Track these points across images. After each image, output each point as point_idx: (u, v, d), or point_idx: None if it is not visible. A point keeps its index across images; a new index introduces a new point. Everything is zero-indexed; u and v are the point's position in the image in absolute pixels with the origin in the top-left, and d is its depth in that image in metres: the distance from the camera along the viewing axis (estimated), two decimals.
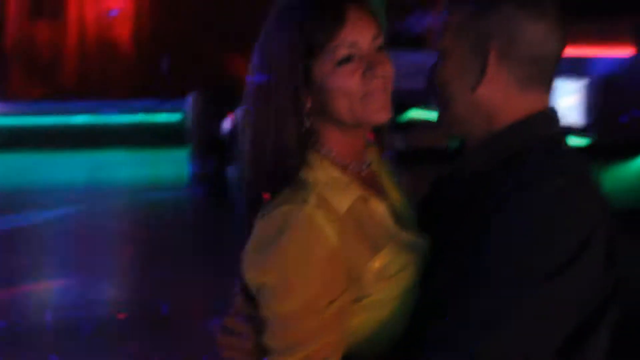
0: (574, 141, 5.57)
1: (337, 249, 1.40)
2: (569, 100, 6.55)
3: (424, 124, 8.47)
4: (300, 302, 1.39)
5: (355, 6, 1.45)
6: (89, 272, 6.12)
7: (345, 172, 1.50)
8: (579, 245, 1.35)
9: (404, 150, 7.13)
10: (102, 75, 14.44)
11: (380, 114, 1.47)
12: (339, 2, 1.44)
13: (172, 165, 10.72)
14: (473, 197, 1.46)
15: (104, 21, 14.54)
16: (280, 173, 1.44)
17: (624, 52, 8.11)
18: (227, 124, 8.80)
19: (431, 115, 8.98)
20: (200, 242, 7.24)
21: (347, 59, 1.43)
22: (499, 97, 1.46)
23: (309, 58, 1.43)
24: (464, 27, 1.46)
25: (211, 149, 9.14)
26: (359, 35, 1.44)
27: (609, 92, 6.51)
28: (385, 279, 1.46)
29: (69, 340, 4.79)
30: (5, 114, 12.74)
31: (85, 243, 7.12)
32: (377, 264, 1.45)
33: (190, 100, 9.49)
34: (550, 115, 1.50)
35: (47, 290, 5.80)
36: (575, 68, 6.55)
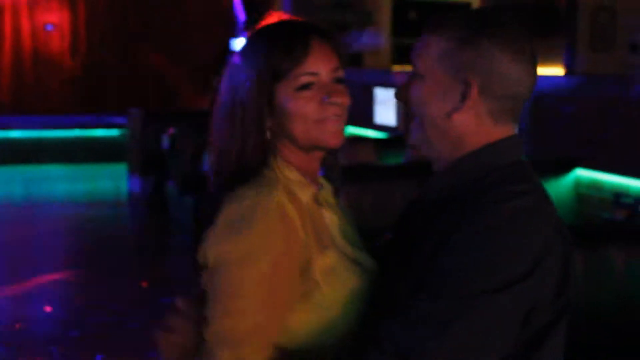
0: None
1: (302, 237, 1.52)
2: None
3: (357, 140, 8.58)
4: (260, 273, 1.47)
5: (319, 39, 1.60)
6: (23, 288, 6.05)
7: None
8: (532, 261, 1.41)
9: (343, 166, 7.19)
10: (39, 90, 14.27)
11: (333, 138, 1.61)
12: (306, 35, 1.59)
13: (111, 181, 10.64)
14: (437, 219, 1.51)
15: (40, 36, 14.38)
16: (242, 171, 1.56)
17: (554, 71, 8.32)
18: (166, 141, 8.79)
19: (363, 131, 9.10)
20: (138, 257, 7.20)
21: (307, 86, 1.57)
22: (471, 126, 1.53)
23: (273, 82, 1.57)
24: (448, 54, 1.51)
25: (150, 165, 9.11)
26: (320, 66, 1.58)
27: (540, 110, 6.68)
28: (330, 280, 1.55)
29: None
30: None
31: (20, 258, 7.04)
32: (325, 260, 1.56)
33: (130, 115, 9.45)
34: (515, 141, 1.57)
35: None
36: None
